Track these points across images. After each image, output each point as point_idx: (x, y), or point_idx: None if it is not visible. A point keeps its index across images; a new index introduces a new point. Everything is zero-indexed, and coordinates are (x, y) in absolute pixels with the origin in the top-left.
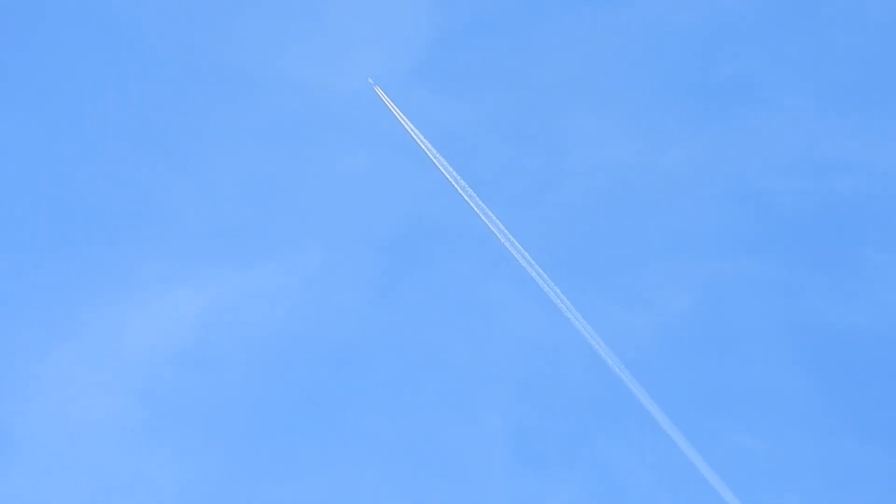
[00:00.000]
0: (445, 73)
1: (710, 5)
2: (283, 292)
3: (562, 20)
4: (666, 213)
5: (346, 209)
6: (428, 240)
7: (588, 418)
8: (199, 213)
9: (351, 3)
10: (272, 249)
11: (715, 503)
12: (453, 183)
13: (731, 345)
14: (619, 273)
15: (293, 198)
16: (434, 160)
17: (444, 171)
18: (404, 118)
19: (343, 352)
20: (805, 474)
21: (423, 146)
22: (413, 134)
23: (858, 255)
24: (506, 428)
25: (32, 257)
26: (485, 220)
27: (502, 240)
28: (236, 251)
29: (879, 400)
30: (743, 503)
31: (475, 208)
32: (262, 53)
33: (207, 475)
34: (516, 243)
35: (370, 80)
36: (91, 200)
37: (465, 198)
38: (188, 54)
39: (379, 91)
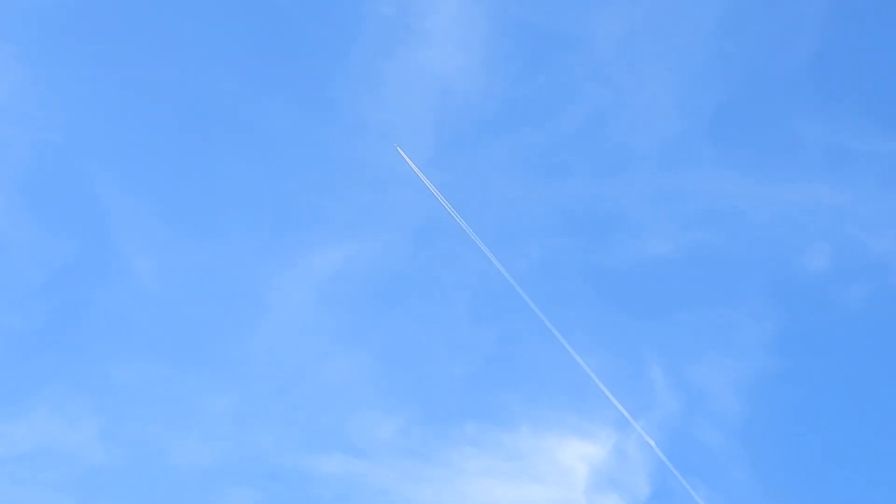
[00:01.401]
0: (445, 158)
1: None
2: (376, 250)
3: (505, 133)
4: (530, 219)
5: (400, 217)
6: (435, 231)
7: (501, 309)
8: (339, 218)
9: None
10: (368, 232)
11: (563, 352)
12: (447, 207)
13: (557, 281)
14: (516, 245)
15: (381, 210)
16: (437, 196)
17: (441, 201)
18: (421, 174)
19: (397, 277)
20: (600, 337)
21: (431, 189)
22: (425, 182)
23: (616, 240)
24: (467, 306)
25: (276, 230)
26: (460, 223)
27: (469, 234)
28: (354, 234)
29: (629, 302)
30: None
31: (456, 218)
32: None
33: (350, 337)
34: (474, 234)
35: (396, 145)
36: (307, 210)
37: (452, 214)
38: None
39: (401, 151)
